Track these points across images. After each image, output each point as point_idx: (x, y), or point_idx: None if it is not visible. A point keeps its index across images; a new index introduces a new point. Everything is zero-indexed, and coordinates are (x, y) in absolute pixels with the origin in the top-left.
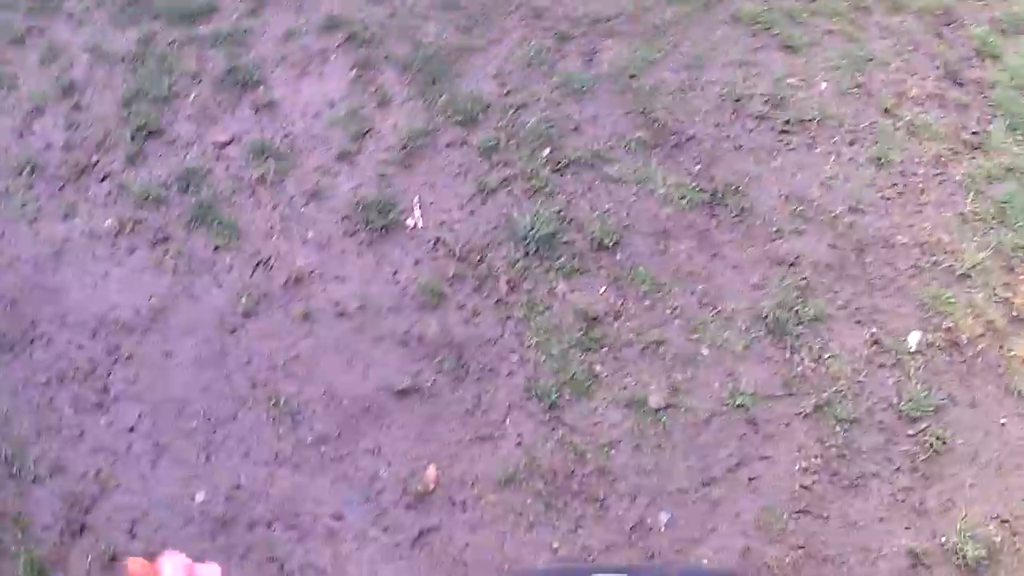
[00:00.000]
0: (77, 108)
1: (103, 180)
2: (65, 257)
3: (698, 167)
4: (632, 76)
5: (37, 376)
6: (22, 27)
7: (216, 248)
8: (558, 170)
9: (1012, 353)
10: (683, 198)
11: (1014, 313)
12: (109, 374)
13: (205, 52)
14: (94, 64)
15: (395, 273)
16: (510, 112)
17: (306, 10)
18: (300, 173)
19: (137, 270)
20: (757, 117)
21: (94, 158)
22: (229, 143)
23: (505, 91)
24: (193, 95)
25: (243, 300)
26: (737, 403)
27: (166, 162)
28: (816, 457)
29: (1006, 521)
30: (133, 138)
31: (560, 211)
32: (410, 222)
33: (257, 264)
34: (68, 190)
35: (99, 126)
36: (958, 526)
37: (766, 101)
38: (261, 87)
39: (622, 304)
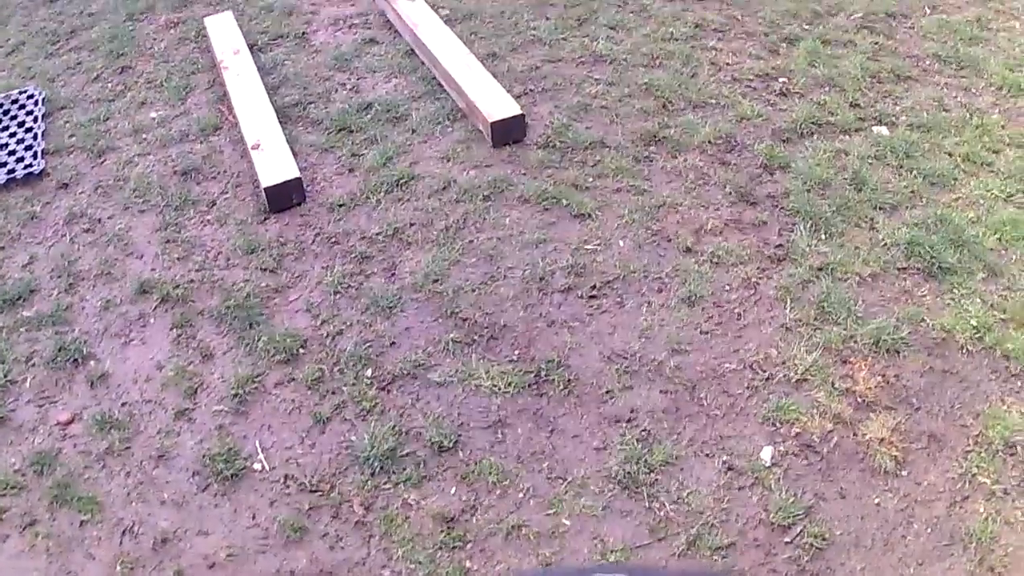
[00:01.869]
0: None
1: None
2: None
3: (517, 352)
4: (435, 281)
5: None
6: None
7: (82, 523)
8: (384, 387)
9: (867, 436)
10: (509, 385)
11: (859, 399)
12: None
13: (33, 334)
14: None
15: (254, 517)
16: (328, 341)
17: (117, 280)
18: (144, 438)
19: (12, 556)
20: (563, 290)
21: None
22: (71, 421)
23: (319, 322)
24: (30, 379)
25: (118, 569)
26: (610, 561)
27: (17, 448)
28: None
29: None
30: None
31: (395, 426)
32: (257, 466)
33: (123, 532)
34: None
35: None
36: None
37: (568, 272)
38: (92, 361)
39: (475, 499)
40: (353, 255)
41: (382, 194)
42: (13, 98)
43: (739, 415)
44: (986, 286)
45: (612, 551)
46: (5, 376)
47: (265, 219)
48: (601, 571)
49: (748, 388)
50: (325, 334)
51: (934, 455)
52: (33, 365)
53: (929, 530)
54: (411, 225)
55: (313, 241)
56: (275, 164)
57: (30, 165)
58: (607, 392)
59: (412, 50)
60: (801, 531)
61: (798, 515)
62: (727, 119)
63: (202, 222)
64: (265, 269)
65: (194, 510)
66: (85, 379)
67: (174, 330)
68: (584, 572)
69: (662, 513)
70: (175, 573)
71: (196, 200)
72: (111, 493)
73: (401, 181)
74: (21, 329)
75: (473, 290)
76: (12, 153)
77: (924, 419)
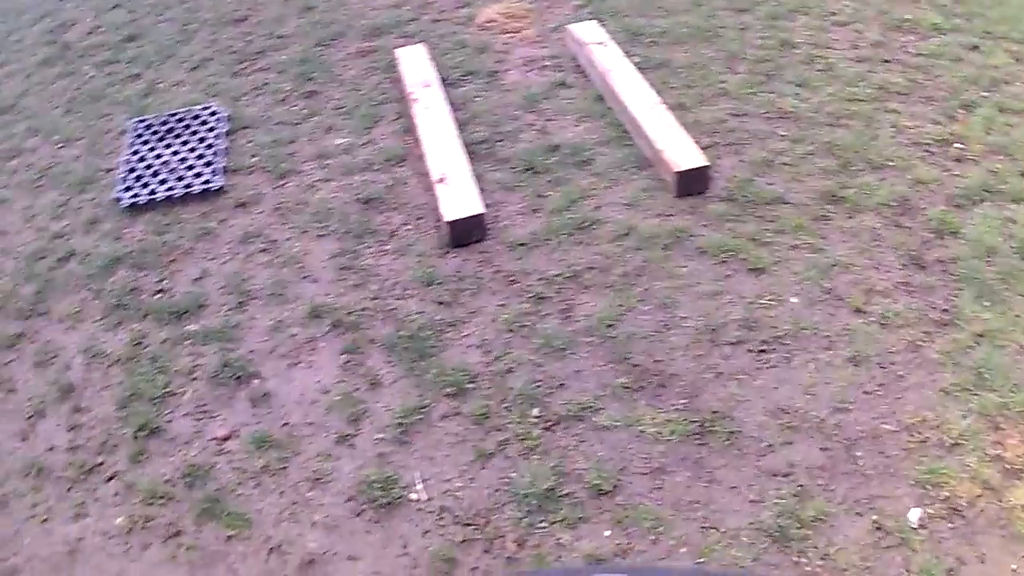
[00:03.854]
0: (77, 410)
1: (109, 480)
2: (80, 556)
3: (683, 401)
4: (609, 326)
5: None
6: (12, 332)
7: (228, 538)
8: (549, 427)
9: (1012, 503)
10: (673, 433)
11: (1007, 467)
12: None
13: (198, 348)
14: (90, 366)
15: (405, 546)
16: (497, 378)
17: (290, 302)
18: (302, 460)
19: (153, 565)
20: (733, 343)
21: (99, 458)
22: (228, 438)
23: (491, 359)
24: (189, 392)
25: None
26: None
27: (169, 460)
28: None
29: None
30: (135, 437)
31: (555, 466)
32: (414, 496)
33: (270, 551)
34: (76, 490)
35: (100, 427)
36: None
37: (740, 325)
38: (256, 380)
39: (628, 543)
40: (530, 295)
41: (563, 236)
42: (195, 114)
43: (892, 476)
44: None
45: None
46: (165, 387)
47: (445, 253)
48: (601, 571)
49: (903, 450)
50: (495, 371)
51: None
52: (195, 379)
53: None
54: (590, 269)
55: (491, 278)
56: (460, 199)
57: (208, 181)
58: (767, 446)
59: (602, 95)
60: None
61: None
62: (904, 182)
63: (380, 251)
64: (440, 302)
65: (345, 534)
66: (247, 397)
67: (343, 356)
68: (584, 572)
69: (808, 569)
70: None
71: (376, 229)
72: (262, 511)
73: (583, 225)
74: (186, 342)
75: (645, 337)
76: (191, 168)
77: None
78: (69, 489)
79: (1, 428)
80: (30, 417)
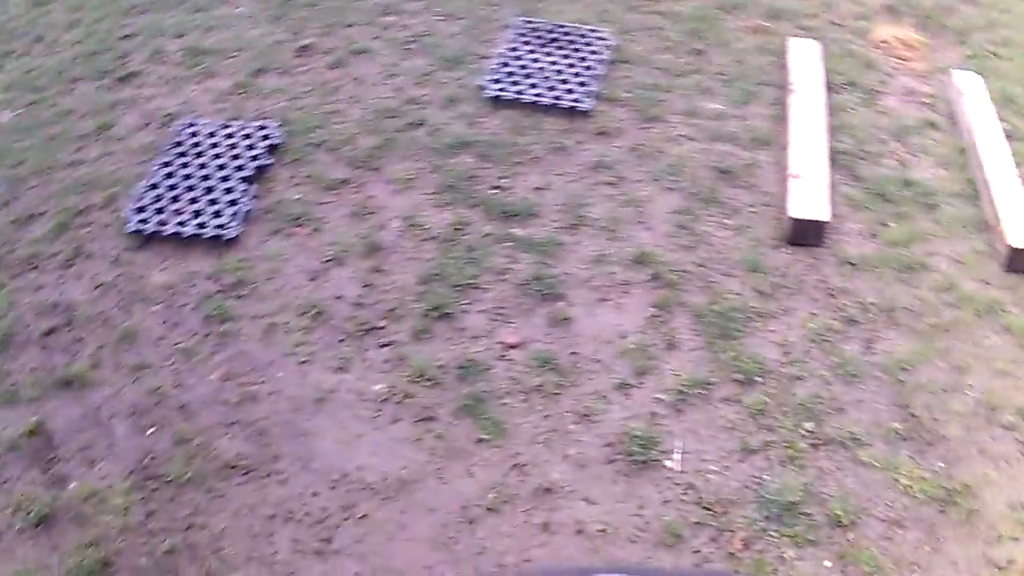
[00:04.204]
0: (377, 270)
1: (384, 346)
2: (326, 406)
3: (942, 465)
4: (903, 369)
5: (264, 507)
6: (339, 176)
7: (478, 441)
8: (815, 445)
9: None
10: (921, 491)
11: None
12: (338, 527)
13: (516, 253)
14: (404, 233)
15: (641, 507)
16: (784, 382)
17: (619, 240)
18: (577, 392)
19: (395, 440)
20: (1005, 427)
21: (381, 323)
22: (516, 346)
23: (786, 361)
24: (494, 291)
25: (490, 495)
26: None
27: (450, 347)
28: None
29: None
30: (425, 315)
31: (808, 483)
32: (668, 463)
33: (514, 466)
34: (347, 345)
35: (394, 294)
36: None
37: (1017, 413)
38: (561, 302)
39: None
40: (843, 313)
41: (891, 269)
42: (583, 32)
43: None
44: None
45: None
46: (471, 279)
47: (778, 246)
48: (601, 571)
49: None
50: (786, 373)
51: None
52: (503, 280)
53: None
54: (906, 310)
55: (813, 285)
56: (809, 199)
57: (578, 100)
58: (997, 535)
59: (965, 148)
60: None
61: None
62: None
63: (720, 223)
64: (759, 291)
65: (590, 477)
66: (547, 315)
67: (652, 309)
68: (584, 572)
69: None
70: (542, 524)
71: (722, 201)
72: (520, 427)
73: (912, 266)
74: (506, 244)
75: (931, 392)
76: (564, 82)
77: None
78: (341, 341)
79: (296, 262)
80: (327, 261)
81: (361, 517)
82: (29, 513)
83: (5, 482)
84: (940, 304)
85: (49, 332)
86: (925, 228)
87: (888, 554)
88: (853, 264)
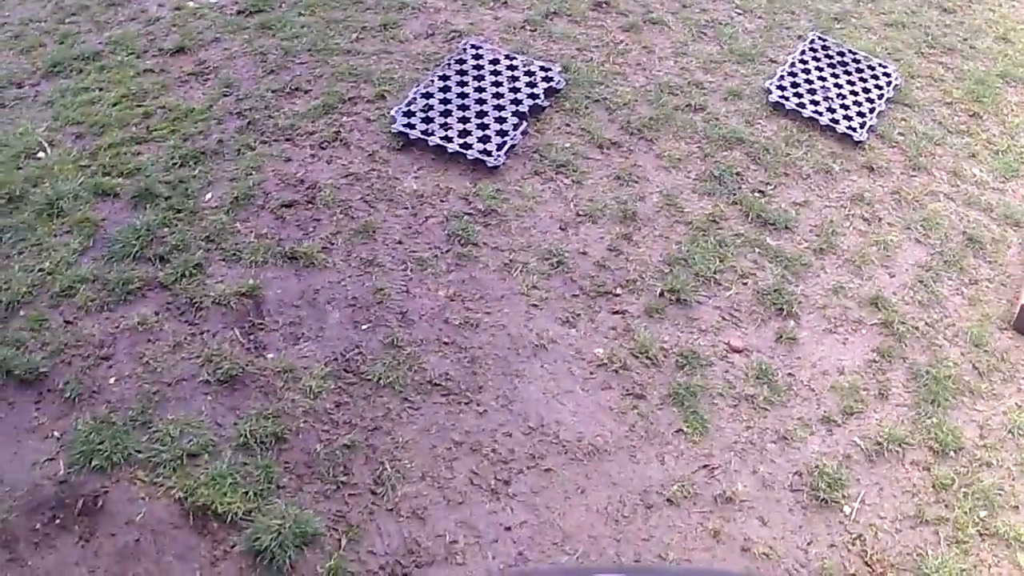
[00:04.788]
0: (627, 238)
1: (615, 313)
2: (544, 355)
3: None
4: None
5: (453, 432)
6: (610, 138)
7: (678, 431)
8: (983, 535)
9: None
10: None
11: None
12: (520, 472)
13: (763, 261)
14: (661, 210)
15: (809, 543)
16: (975, 464)
17: (861, 277)
18: (783, 413)
19: (600, 406)
20: None
21: (618, 290)
22: (740, 351)
23: (982, 444)
24: (732, 291)
25: (673, 487)
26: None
27: (678, 333)
28: None
29: None
30: (661, 294)
31: (964, 571)
32: (847, 509)
33: (703, 466)
34: (580, 301)
35: (636, 265)
36: None
37: None
38: (792, 320)
39: None
40: None
41: None
42: (871, 64)
43: None
44: None
45: None
46: (714, 272)
47: (1005, 328)
48: (601, 571)
49: None
50: (978, 457)
51: None
52: (744, 284)
53: None
54: None
55: None
56: None
57: (854, 129)
58: None
59: None
60: None
61: None
62: None
63: (957, 290)
64: (976, 368)
65: (771, 499)
66: (776, 330)
67: (874, 354)
68: (584, 572)
69: None
70: (713, 530)
71: (965, 268)
72: (722, 430)
73: None
74: (756, 248)
75: None
76: (845, 108)
77: None
78: (574, 296)
79: (550, 207)
80: (581, 215)
81: (545, 470)
82: (218, 369)
83: (202, 333)
84: None
85: (288, 205)
86: None
87: None
88: None
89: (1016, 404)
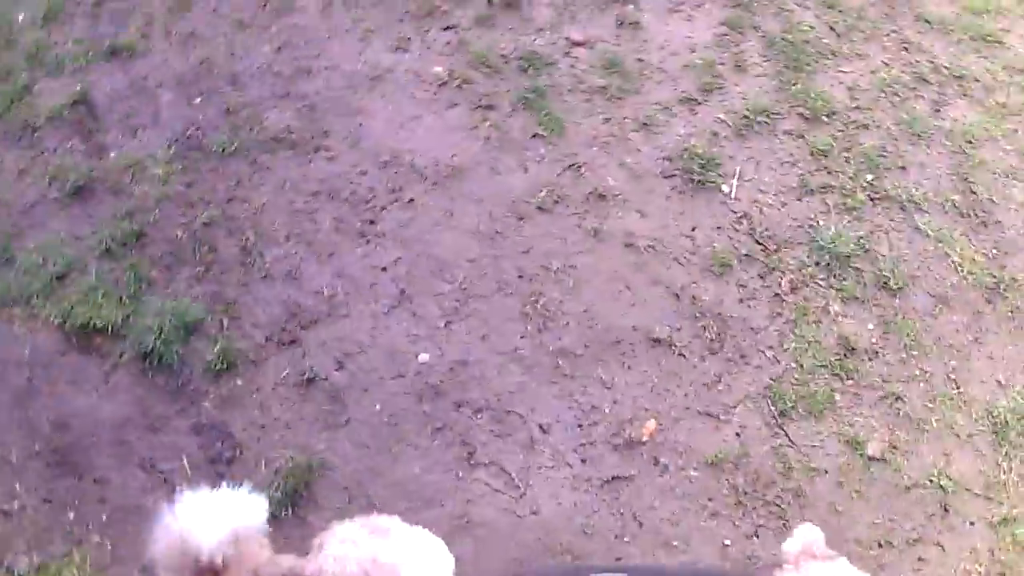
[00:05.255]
0: None
1: (447, 29)
2: (381, 86)
3: (995, 252)
4: (969, 142)
5: (309, 183)
6: None
7: (535, 135)
8: (874, 199)
9: None
10: (971, 274)
11: None
12: (383, 209)
13: None
14: None
15: (694, 229)
16: (851, 127)
17: None
18: (640, 100)
19: (450, 125)
20: None
21: (444, 5)
22: (582, 44)
23: (853, 105)
24: None
25: (542, 193)
26: (939, 483)
27: (515, 37)
28: (981, 566)
29: None
30: (490, 2)
31: (862, 237)
32: (725, 188)
33: (569, 166)
34: (407, 24)
35: None
36: None
37: None
38: (631, 6)
39: (882, 347)
40: (915, 70)
41: (969, 35)
42: None
43: None
44: None
45: (947, 477)
46: None
47: None
48: (601, 571)
49: None
50: (853, 119)
51: None
52: None
53: None
54: (976, 80)
55: (887, 35)
56: None
57: None
58: None
59: None
60: None
61: None
62: None
63: None
64: (834, 28)
65: (645, 189)
66: (616, 17)
67: (723, 27)
68: (584, 572)
69: (1004, 477)
70: (591, 229)
71: None
72: (579, 127)
73: (987, 38)
74: None
75: (994, 173)
76: None
77: None
78: (401, 20)
79: None
80: None
81: (408, 201)
82: (66, 183)
83: (43, 152)
84: (1011, 84)
85: (98, 3)
86: (1004, 3)
87: (931, 331)
88: (929, 22)
89: (883, 62)
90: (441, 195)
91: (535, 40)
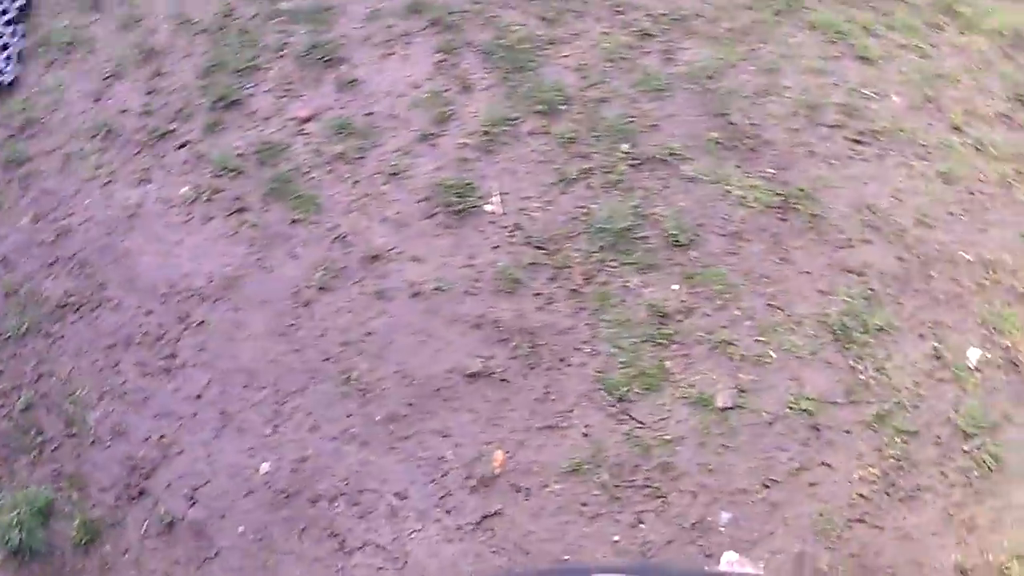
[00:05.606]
0: (157, 75)
1: (180, 148)
2: (138, 222)
3: (772, 171)
4: (710, 77)
5: (103, 339)
6: None
7: (293, 221)
8: (635, 166)
9: None
10: (756, 200)
11: None
12: (178, 340)
13: (288, 26)
14: (175, 32)
15: (472, 257)
16: (590, 105)
17: None
18: (381, 152)
19: (212, 239)
20: (831, 125)
21: (172, 125)
22: (310, 119)
23: (586, 84)
24: (275, 69)
25: (318, 274)
26: (801, 407)
27: (245, 134)
28: (873, 467)
29: None
30: (213, 108)
31: (636, 206)
32: (489, 208)
33: (335, 239)
34: (144, 155)
35: (178, 94)
36: (1005, 544)
37: (840, 110)
38: (344, 65)
39: (693, 302)
40: (635, 28)
41: None
42: None
43: (960, 308)
44: None
45: (806, 398)
46: (251, 61)
47: None
48: (601, 571)
49: (976, 284)
50: (590, 97)
51: None
52: (282, 56)
53: None
54: (697, 16)
55: (598, 4)
56: None
57: None
58: (847, 239)
59: None
60: (981, 445)
61: (983, 428)
62: (1021, 16)
63: None
64: (544, 18)
65: (413, 235)
66: (334, 81)
67: (438, 54)
68: (584, 572)
69: (862, 377)
70: (376, 292)
71: None
72: (333, 198)
73: None
74: (276, 20)
75: (745, 97)
76: None
77: None
78: (137, 153)
79: (76, 88)
80: (107, 78)
81: (198, 324)
82: None
83: None
84: (734, 7)
85: None
86: None
87: (736, 269)
88: None
89: (602, 33)
90: (226, 308)
91: (265, 130)
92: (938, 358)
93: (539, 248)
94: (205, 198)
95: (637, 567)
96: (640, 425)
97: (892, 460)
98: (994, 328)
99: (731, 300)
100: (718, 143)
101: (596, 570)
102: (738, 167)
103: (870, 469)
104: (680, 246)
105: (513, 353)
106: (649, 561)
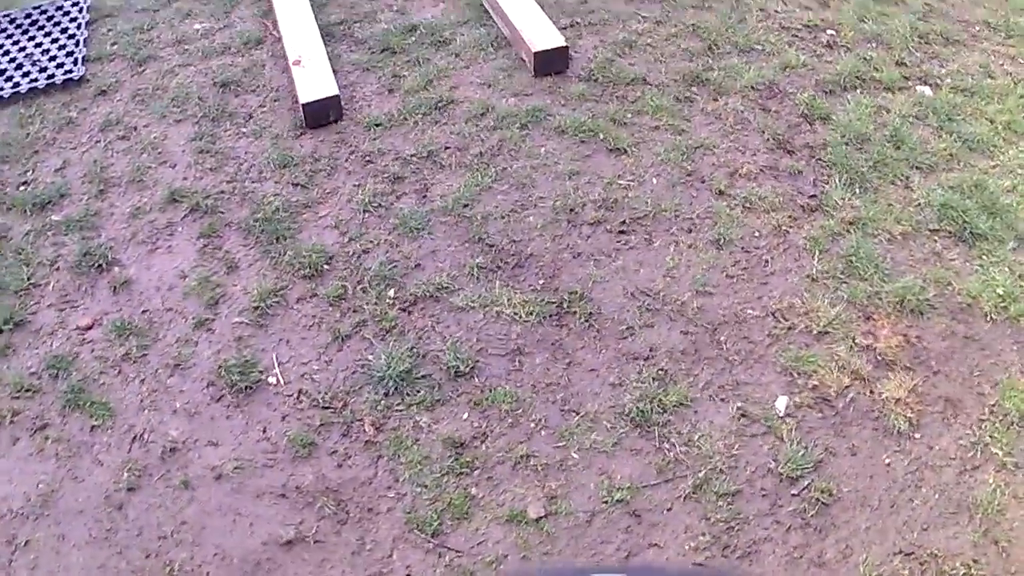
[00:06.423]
0: None
1: None
2: None
3: (541, 282)
4: (465, 206)
5: None
6: None
7: (92, 428)
8: (405, 308)
9: (883, 395)
10: (531, 314)
11: (878, 358)
12: (10, 563)
13: (60, 238)
14: None
15: (264, 430)
16: (353, 259)
17: (148, 187)
18: (162, 346)
19: (22, 458)
20: (592, 223)
21: None
22: (91, 327)
23: (346, 239)
24: (53, 283)
25: (125, 475)
26: (616, 499)
27: (34, 352)
28: (704, 534)
29: (909, 554)
30: (0, 332)
31: (413, 347)
32: (272, 380)
33: (133, 439)
34: None
35: None
36: (861, 570)
37: (599, 206)
38: (116, 267)
39: (487, 425)
40: (386, 175)
41: (420, 116)
42: (58, 4)
43: (757, 362)
44: (1016, 256)
45: (618, 488)
46: (28, 279)
47: (301, 135)
48: (601, 571)
49: (769, 336)
50: (351, 252)
51: (948, 421)
52: (57, 269)
53: (936, 496)
54: (446, 149)
55: (347, 159)
56: (315, 81)
57: (70, 71)
58: (627, 328)
59: None
60: (809, 485)
61: (807, 468)
62: (771, 66)
63: (237, 134)
64: (296, 184)
65: (205, 421)
66: (108, 285)
67: (201, 240)
68: (584, 572)
69: (672, 454)
70: (181, 483)
71: (233, 112)
72: (124, 400)
73: (440, 104)
74: (48, 233)
75: (502, 217)
76: (53, 59)
77: (942, 383)
78: None
79: None
80: None
81: (25, 545)
82: None
83: None
84: (480, 131)
85: None
86: (442, 65)
87: (523, 384)
88: (380, 125)
89: (354, 186)
90: (47, 524)
91: (52, 345)
92: (745, 416)
93: (326, 408)
94: (8, 421)
95: (637, 568)
96: (459, 554)
97: (721, 523)
98: (797, 372)
99: (523, 415)
100: (483, 268)
101: (596, 571)
102: (507, 286)
103: (701, 537)
104: (462, 375)
105: (321, 514)
106: (649, 562)
